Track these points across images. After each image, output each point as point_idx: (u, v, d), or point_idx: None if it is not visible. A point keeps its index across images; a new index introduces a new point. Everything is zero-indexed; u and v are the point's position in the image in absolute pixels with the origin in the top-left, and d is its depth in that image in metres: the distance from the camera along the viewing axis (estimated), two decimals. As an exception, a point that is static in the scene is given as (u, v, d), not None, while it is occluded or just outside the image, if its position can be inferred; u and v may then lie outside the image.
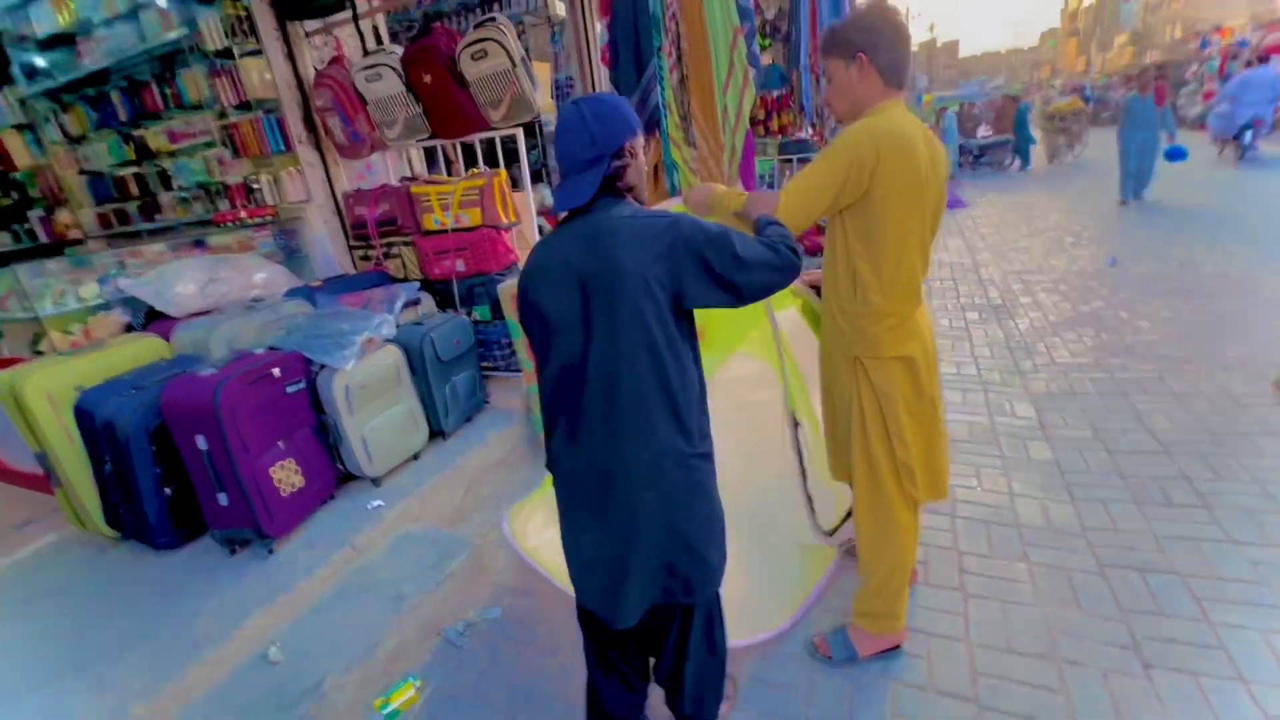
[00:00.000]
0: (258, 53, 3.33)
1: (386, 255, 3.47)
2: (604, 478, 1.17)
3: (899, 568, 1.76)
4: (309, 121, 3.49)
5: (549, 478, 1.84)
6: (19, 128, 4.48)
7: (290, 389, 2.33)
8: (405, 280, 3.42)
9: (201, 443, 2.09)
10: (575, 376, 1.16)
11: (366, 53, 3.24)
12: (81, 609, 2.14)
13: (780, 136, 6.21)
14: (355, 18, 3.29)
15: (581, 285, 1.12)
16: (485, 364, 3.38)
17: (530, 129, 6.37)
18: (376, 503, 2.51)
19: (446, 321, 2.99)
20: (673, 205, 1.84)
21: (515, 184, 3.41)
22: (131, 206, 4.44)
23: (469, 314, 3.32)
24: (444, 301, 3.39)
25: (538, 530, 2.17)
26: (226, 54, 3.39)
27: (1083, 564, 2.07)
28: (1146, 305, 4.39)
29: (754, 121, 4.68)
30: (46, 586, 2.32)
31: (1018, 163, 13.41)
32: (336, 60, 3.38)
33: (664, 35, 2.62)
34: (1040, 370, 3.59)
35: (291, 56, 3.40)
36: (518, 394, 3.24)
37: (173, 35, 3.52)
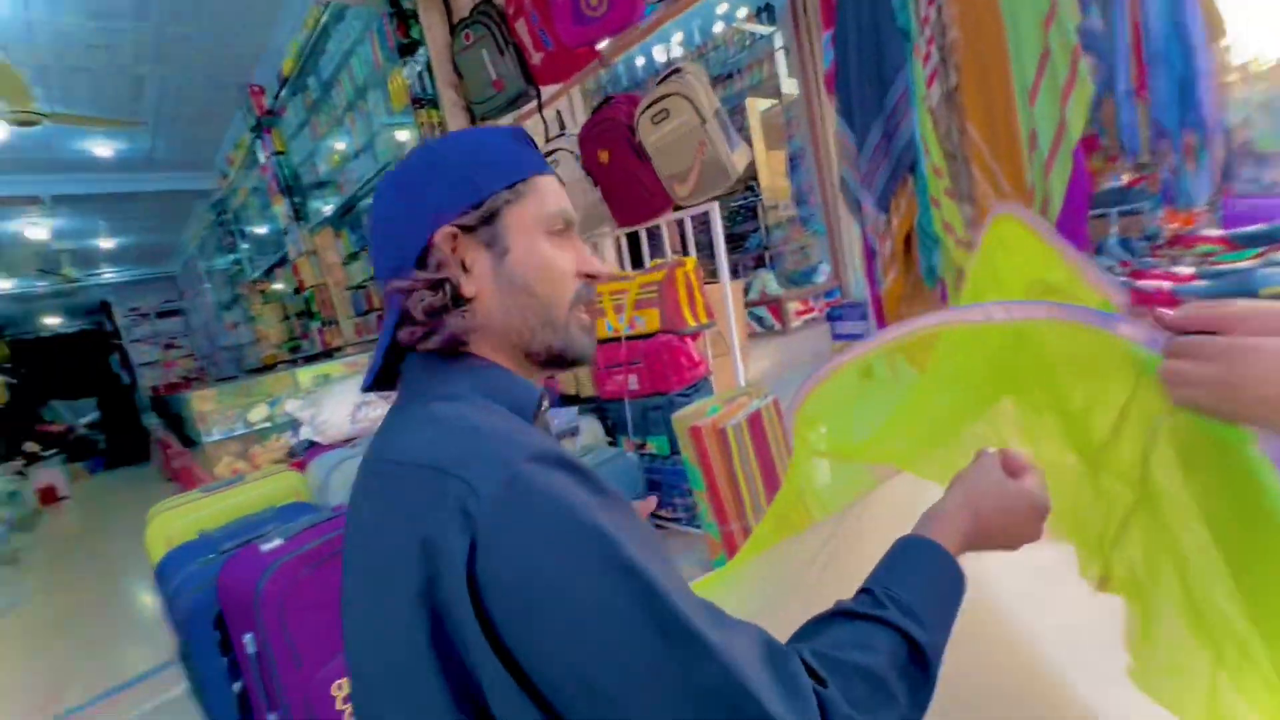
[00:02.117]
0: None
1: (560, 367, 2.91)
2: None
3: None
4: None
5: None
6: (309, 254, 5.29)
7: (378, 564, 1.74)
8: (577, 400, 2.80)
9: (250, 644, 1.57)
10: None
11: (548, 139, 2.85)
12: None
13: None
14: (540, 105, 2.96)
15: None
16: (661, 512, 2.52)
17: (752, 210, 5.69)
18: None
19: (608, 461, 2.23)
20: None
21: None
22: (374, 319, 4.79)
23: (642, 446, 2.52)
24: (616, 428, 2.66)
25: None
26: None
27: None
28: None
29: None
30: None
31: None
32: (521, 154, 3.07)
33: (919, 28, 1.62)
34: None
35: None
36: (697, 563, 2.29)
37: (392, 154, 3.65)
